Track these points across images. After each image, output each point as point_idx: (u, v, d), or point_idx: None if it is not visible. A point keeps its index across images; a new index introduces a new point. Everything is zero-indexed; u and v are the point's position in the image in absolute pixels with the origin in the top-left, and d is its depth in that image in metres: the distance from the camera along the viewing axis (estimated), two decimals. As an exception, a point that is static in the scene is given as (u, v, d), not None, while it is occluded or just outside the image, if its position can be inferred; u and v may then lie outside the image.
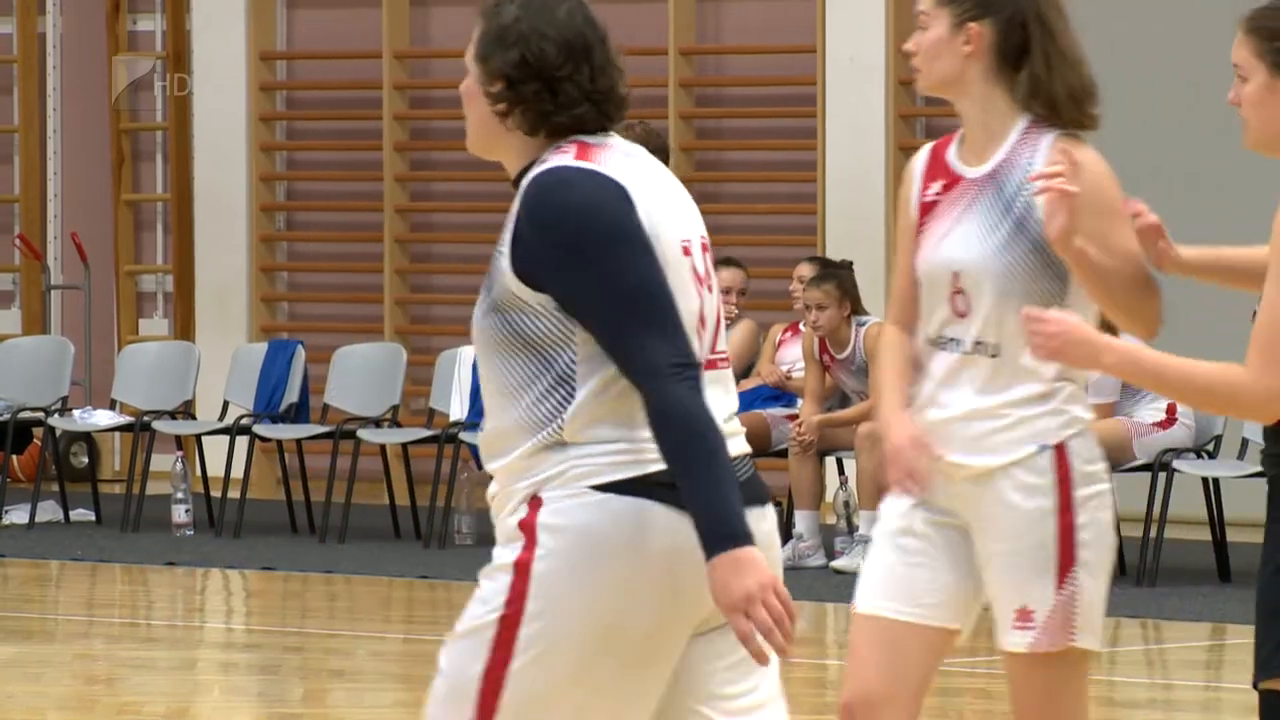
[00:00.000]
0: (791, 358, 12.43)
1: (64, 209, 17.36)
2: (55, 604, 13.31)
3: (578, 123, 3.26)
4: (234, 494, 13.27)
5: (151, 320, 17.34)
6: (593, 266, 3.21)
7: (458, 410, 13.34)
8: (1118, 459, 10.84)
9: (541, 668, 3.26)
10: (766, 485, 3.33)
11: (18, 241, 16.95)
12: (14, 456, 15.03)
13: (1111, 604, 15.09)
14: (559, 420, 3.23)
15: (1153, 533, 11.38)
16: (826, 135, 14.36)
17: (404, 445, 13.64)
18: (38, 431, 14.82)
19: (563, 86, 3.22)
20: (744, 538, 3.11)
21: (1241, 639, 9.45)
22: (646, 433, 3.17)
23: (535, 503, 3.24)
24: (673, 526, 3.19)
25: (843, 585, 11.53)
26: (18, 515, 14.11)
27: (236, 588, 12.95)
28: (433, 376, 13.65)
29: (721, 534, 3.10)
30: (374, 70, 15.50)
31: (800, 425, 11.82)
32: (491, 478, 3.39)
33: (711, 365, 3.28)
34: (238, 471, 13.35)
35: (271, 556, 12.23)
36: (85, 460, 15.36)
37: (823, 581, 11.48)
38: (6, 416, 14.52)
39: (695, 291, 3.26)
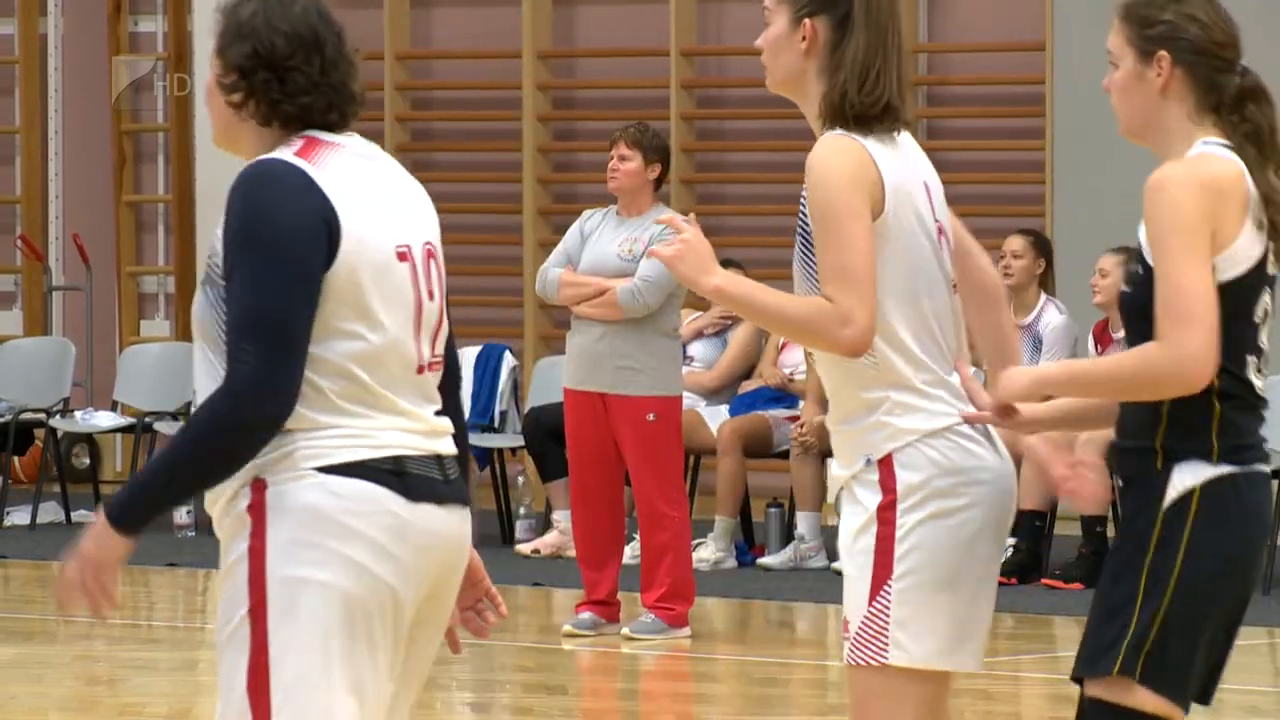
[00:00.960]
0: (794, 361, 12.44)
1: (65, 210, 17.27)
2: (57, 605, 13.17)
3: (305, 112, 3.35)
4: (234, 495, 13.02)
5: (153, 321, 17.30)
6: (240, 265, 3.29)
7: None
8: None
9: (293, 650, 3.36)
10: (466, 489, 3.51)
11: (19, 242, 16.88)
12: (15, 458, 15.05)
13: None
14: None
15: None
16: (825, 136, 13.68)
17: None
18: (39, 433, 14.87)
19: (291, 76, 3.31)
20: (116, 518, 3.30)
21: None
22: (367, 418, 3.33)
23: (259, 485, 3.33)
24: (389, 508, 3.36)
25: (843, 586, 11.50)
26: (19, 516, 14.13)
27: (237, 589, 12.43)
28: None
29: (114, 502, 3.32)
30: (376, 71, 15.26)
31: (802, 427, 11.82)
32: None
33: (430, 369, 3.41)
34: (238, 473, 13.00)
35: (270, 558, 12.01)
36: (87, 461, 15.35)
37: (825, 582, 11.35)
38: (8, 418, 14.57)
39: (411, 296, 3.36)
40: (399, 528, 3.39)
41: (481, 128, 16.55)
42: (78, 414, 14.58)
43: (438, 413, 3.44)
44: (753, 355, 13.08)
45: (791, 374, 12.67)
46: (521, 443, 13.63)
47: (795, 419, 12.37)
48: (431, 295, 3.44)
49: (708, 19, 14.74)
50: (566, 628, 10.89)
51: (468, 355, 13.09)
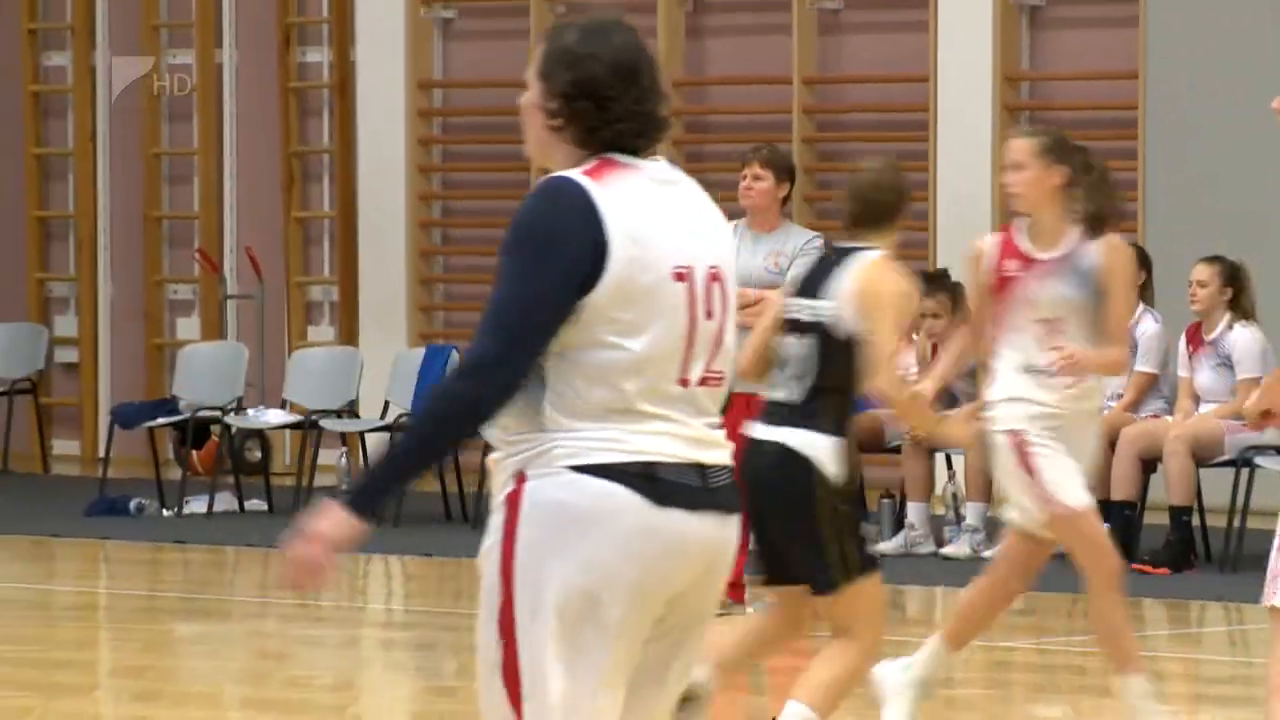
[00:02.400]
0: (906, 364, 12.45)
1: (239, 225, 17.59)
2: (232, 587, 13.83)
3: (618, 137, 3.38)
4: (394, 487, 13.33)
5: (319, 327, 17.64)
6: (503, 262, 3.36)
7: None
8: (1210, 454, 11.21)
9: (532, 632, 3.35)
10: (738, 497, 3.46)
11: (197, 255, 17.48)
12: (194, 451, 15.52)
13: (1198, 588, 15.18)
14: (540, 406, 3.36)
15: (1236, 523, 11.69)
16: (938, 158, 14.75)
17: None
18: (215, 429, 15.43)
19: (610, 105, 3.34)
20: (354, 503, 3.31)
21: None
22: (626, 424, 3.33)
23: (520, 478, 3.37)
24: (635, 510, 3.34)
25: (951, 570, 11.91)
26: (197, 505, 14.70)
27: (396, 572, 13.43)
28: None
29: (351, 489, 3.38)
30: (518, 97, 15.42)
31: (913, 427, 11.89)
32: None
33: (703, 383, 3.39)
34: (397, 466, 13.36)
35: (428, 544, 12.69)
36: (259, 455, 15.81)
37: (933, 567, 12.05)
38: (187, 415, 15.22)
39: (685, 315, 3.35)
40: (645, 529, 3.37)
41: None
42: (250, 412, 15.12)
43: (713, 425, 3.41)
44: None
45: (904, 377, 12.57)
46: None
47: (909, 417, 12.44)
48: (710, 315, 3.41)
49: (827, 49, 15.19)
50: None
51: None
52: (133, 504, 14.93)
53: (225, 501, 14.88)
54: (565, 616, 3.32)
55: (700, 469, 3.36)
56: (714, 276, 3.39)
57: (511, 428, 3.37)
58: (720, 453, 3.38)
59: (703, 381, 3.39)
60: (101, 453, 15.94)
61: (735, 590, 11.36)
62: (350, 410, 15.03)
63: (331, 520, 3.34)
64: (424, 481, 16.18)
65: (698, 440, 3.35)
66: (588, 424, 3.33)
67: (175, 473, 15.63)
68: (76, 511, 14.92)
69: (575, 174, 3.31)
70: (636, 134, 3.35)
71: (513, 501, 3.37)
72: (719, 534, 3.41)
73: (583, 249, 3.30)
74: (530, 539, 3.34)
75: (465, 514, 13.97)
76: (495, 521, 3.38)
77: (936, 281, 12.58)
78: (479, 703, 3.45)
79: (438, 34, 17.13)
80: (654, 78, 3.40)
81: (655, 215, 3.34)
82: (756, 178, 9.68)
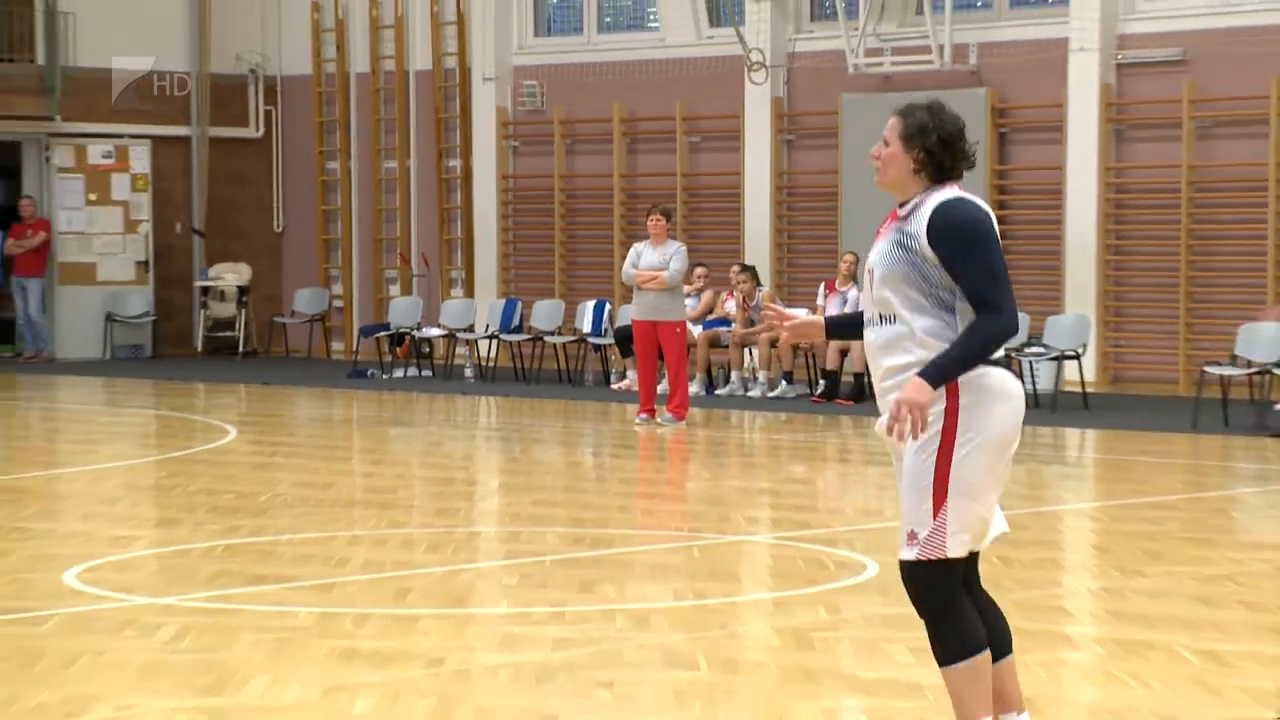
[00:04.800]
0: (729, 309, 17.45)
1: (419, 240, 23.24)
2: (415, 411, 17.47)
3: (958, 173, 4.57)
4: None
5: (456, 289, 22.84)
6: (974, 251, 4.51)
7: None
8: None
9: (969, 460, 4.65)
10: None
11: (400, 256, 23.01)
12: (397, 348, 20.08)
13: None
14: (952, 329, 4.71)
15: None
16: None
17: None
18: (408, 337, 19.84)
19: (955, 155, 4.50)
20: (930, 378, 4.64)
21: None
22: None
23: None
24: (1012, 385, 4.78)
25: (751, 403, 16.56)
26: (398, 373, 19.36)
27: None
28: None
29: (927, 372, 4.61)
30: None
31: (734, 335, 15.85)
32: None
33: None
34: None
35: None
36: (427, 349, 20.26)
37: (740, 401, 16.52)
38: (394, 330, 20.14)
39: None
40: (1016, 394, 4.79)
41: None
42: (424, 329, 19.98)
43: None
44: (711, 302, 18.04)
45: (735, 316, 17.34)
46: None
47: (729, 331, 17.14)
48: None
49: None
50: (635, 421, 15.07)
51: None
52: (369, 372, 19.99)
53: (411, 371, 20.13)
54: (987, 450, 4.73)
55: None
56: None
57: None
58: None
59: None
60: (354, 349, 21.76)
61: (651, 413, 15.04)
62: (469, 329, 20.27)
63: (918, 391, 4.62)
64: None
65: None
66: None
67: (389, 358, 20.60)
68: (341, 375, 20.37)
69: (957, 193, 4.57)
70: (961, 173, 4.56)
71: (951, 389, 4.69)
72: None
73: (996, 229, 4.62)
74: (965, 410, 4.71)
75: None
76: (938, 403, 4.65)
77: None
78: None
79: (510, 153, 22.80)
80: (966, 137, 4.60)
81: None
82: None
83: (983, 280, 4.61)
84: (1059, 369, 17.02)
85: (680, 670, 6.68)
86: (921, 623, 5.03)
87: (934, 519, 4.82)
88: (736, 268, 18.03)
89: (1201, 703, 6.29)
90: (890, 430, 4.67)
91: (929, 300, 4.69)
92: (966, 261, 4.61)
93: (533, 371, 19.71)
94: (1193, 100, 18.22)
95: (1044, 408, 16.13)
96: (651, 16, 22.19)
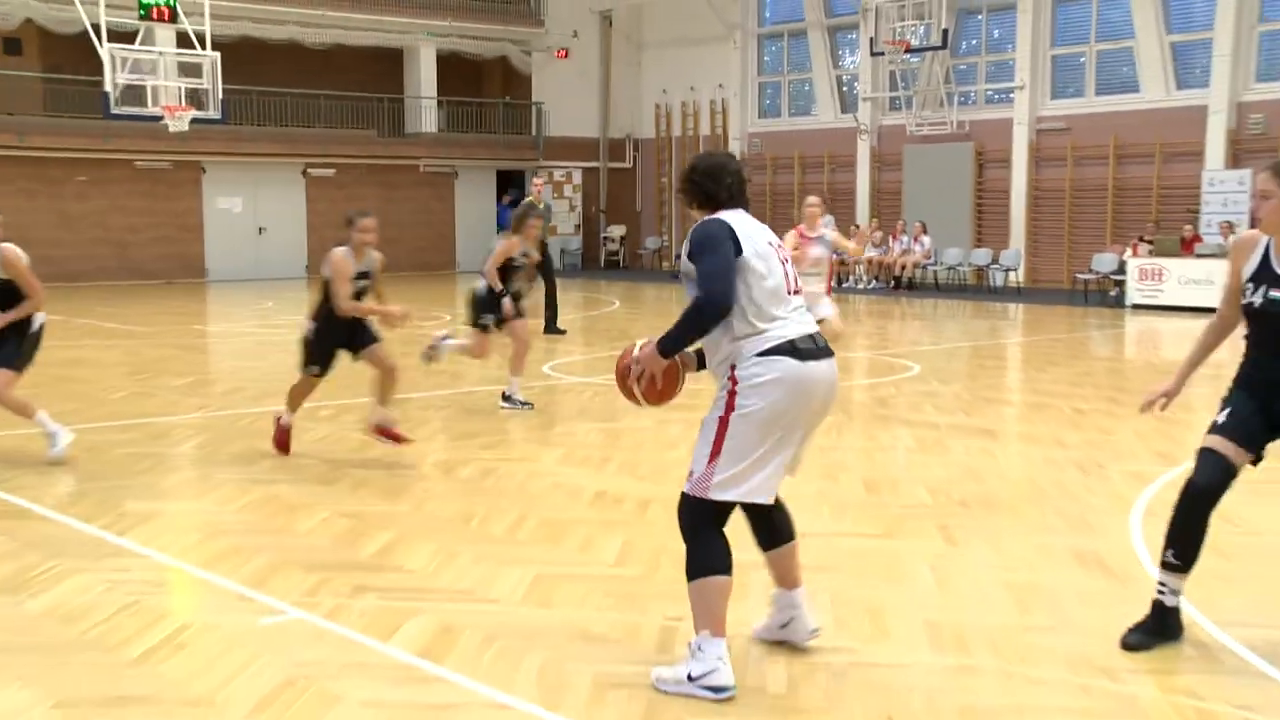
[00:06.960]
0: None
1: None
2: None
3: (730, 204, 5.10)
4: None
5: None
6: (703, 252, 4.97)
7: None
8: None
9: (739, 427, 4.94)
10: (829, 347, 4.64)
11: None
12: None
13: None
14: (744, 325, 4.99)
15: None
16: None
17: None
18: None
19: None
20: (661, 347, 4.93)
21: None
22: (776, 326, 4.84)
23: (732, 367, 5.00)
24: (796, 367, 4.95)
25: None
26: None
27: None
28: None
29: (660, 341, 4.91)
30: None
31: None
32: None
33: (795, 294, 4.88)
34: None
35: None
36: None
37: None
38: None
39: (779, 263, 4.87)
40: (796, 377, 4.99)
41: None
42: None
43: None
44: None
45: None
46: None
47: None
48: (785, 263, 4.89)
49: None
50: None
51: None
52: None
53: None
54: (755, 426, 4.97)
55: (812, 338, 4.81)
56: (779, 248, 4.94)
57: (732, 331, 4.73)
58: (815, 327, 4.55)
59: (794, 293, 4.72)
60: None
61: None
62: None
63: (650, 357, 5.06)
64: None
65: (806, 324, 4.63)
66: (760, 327, 4.80)
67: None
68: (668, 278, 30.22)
69: None
70: None
71: (732, 380, 4.96)
72: (832, 371, 4.76)
73: (731, 240, 4.96)
74: (740, 394, 5.03)
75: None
76: (721, 388, 4.94)
77: None
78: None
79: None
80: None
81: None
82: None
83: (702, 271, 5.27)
84: (1006, 275, 28.06)
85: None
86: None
87: (706, 467, 5.32)
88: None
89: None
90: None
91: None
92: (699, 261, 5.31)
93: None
94: (1078, 149, 28.64)
95: (1006, 296, 25.37)
96: (813, 109, 35.41)
